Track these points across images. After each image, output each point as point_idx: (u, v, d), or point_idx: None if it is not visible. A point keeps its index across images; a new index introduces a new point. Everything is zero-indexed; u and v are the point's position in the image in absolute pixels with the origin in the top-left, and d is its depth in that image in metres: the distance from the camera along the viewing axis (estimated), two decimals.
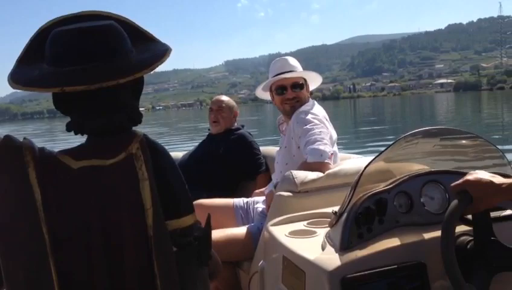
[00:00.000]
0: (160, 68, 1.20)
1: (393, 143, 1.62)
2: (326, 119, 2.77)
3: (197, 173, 3.63)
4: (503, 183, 1.38)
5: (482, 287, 1.36)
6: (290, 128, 2.78)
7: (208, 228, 1.27)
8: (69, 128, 1.22)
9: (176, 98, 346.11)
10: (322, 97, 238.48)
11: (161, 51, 1.20)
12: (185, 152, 4.05)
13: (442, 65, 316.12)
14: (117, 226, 1.13)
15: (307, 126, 2.60)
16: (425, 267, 1.45)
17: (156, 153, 1.21)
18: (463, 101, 72.25)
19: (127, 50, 1.18)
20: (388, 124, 29.02)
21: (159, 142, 1.26)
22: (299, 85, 2.83)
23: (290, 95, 2.82)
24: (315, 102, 2.88)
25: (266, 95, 3.04)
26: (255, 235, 2.55)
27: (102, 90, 1.11)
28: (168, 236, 1.17)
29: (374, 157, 1.64)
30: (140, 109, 1.30)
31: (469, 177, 1.42)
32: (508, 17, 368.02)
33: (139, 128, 1.26)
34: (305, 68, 2.99)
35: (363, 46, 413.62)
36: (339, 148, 2.90)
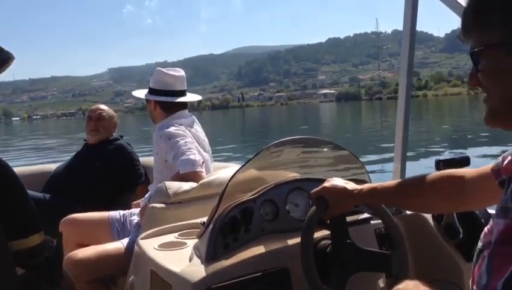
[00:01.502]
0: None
1: (257, 153, 1.66)
2: (189, 130, 2.77)
3: (72, 185, 3.48)
4: (355, 189, 1.47)
5: (338, 288, 1.43)
6: (153, 144, 2.78)
7: (59, 247, 1.20)
8: None
9: (55, 107, 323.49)
10: (212, 106, 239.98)
11: (2, 60, 1.12)
12: (59, 163, 3.84)
13: (324, 76, 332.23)
14: None
15: (172, 140, 2.61)
16: (289, 273, 1.51)
17: None
18: (345, 110, 76.80)
19: None
20: (274, 133, 29.88)
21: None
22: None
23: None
24: (183, 113, 2.85)
25: None
26: (131, 249, 2.46)
27: None
28: (9, 258, 1.09)
29: (239, 167, 1.67)
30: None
31: (326, 184, 1.51)
32: (381, 32, 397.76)
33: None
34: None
35: (249, 56, 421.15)
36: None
